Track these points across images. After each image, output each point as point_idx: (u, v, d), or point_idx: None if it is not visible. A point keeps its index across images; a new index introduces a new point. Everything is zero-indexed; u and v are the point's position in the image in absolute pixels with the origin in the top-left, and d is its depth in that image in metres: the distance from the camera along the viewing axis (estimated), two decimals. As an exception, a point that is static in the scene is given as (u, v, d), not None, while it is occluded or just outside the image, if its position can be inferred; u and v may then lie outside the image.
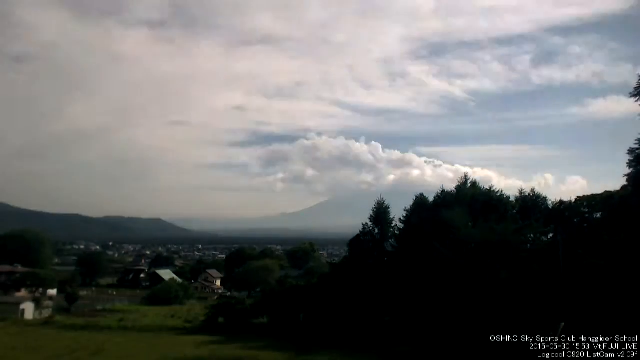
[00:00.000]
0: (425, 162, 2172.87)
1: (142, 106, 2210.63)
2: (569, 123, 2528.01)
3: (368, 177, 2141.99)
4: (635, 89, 29.39)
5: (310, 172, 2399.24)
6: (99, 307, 71.68)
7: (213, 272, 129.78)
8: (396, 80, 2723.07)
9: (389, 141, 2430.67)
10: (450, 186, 48.60)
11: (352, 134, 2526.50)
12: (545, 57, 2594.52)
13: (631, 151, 29.98)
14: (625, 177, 31.35)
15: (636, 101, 29.23)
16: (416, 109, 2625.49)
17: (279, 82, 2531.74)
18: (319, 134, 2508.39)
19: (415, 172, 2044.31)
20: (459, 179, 48.77)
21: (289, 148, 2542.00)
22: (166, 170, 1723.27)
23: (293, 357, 35.05)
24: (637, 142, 29.80)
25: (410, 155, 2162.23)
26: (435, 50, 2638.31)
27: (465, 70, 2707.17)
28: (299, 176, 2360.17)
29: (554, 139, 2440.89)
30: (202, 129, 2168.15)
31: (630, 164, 30.22)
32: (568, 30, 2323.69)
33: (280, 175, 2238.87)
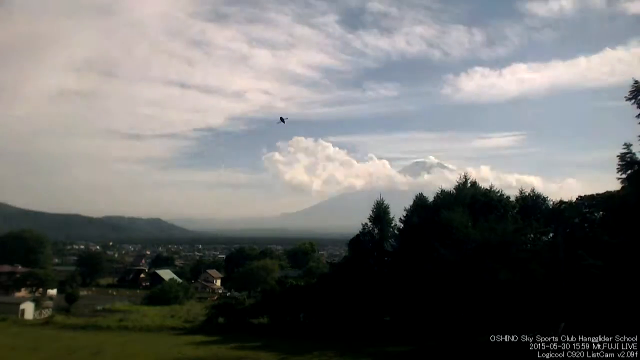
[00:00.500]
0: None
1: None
2: (445, 106, 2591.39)
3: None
4: (631, 92, 29.60)
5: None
6: (98, 307, 71.73)
7: (213, 272, 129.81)
8: (210, 51, 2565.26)
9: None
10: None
11: (246, 125, 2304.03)
12: (353, 19, 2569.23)
13: (621, 156, 30.35)
14: (620, 180, 31.69)
15: (633, 104, 29.44)
16: (276, 91, 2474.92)
17: (83, 56, 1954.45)
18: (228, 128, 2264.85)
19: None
20: (458, 179, 48.82)
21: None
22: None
23: (285, 357, 35.04)
24: (625, 146, 30.13)
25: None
26: (220, 12, 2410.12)
27: (273, 36, 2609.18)
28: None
29: (440, 124, 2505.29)
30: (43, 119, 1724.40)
31: (620, 167, 30.59)
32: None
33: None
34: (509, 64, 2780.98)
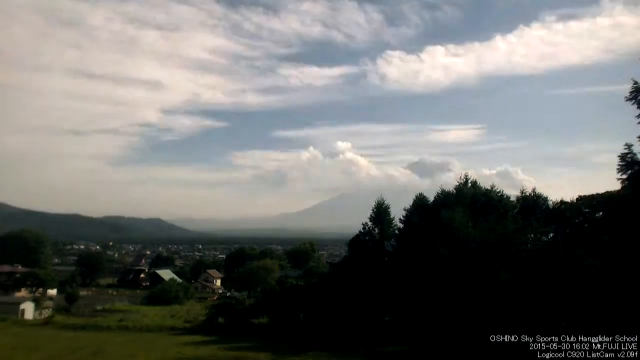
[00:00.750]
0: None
1: None
2: (381, 96, 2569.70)
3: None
4: (631, 92, 29.58)
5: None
6: (98, 307, 71.66)
7: (213, 272, 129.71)
8: (92, 33, 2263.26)
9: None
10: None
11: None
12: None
13: (622, 157, 30.32)
14: (620, 181, 31.68)
15: (633, 104, 29.44)
16: (193, 80, 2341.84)
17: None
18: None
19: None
20: (458, 179, 48.77)
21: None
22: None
23: (284, 357, 35.03)
24: (626, 146, 30.10)
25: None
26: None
27: (150, 14, 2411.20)
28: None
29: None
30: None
31: (620, 168, 30.58)
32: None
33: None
34: (422, 47, 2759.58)
